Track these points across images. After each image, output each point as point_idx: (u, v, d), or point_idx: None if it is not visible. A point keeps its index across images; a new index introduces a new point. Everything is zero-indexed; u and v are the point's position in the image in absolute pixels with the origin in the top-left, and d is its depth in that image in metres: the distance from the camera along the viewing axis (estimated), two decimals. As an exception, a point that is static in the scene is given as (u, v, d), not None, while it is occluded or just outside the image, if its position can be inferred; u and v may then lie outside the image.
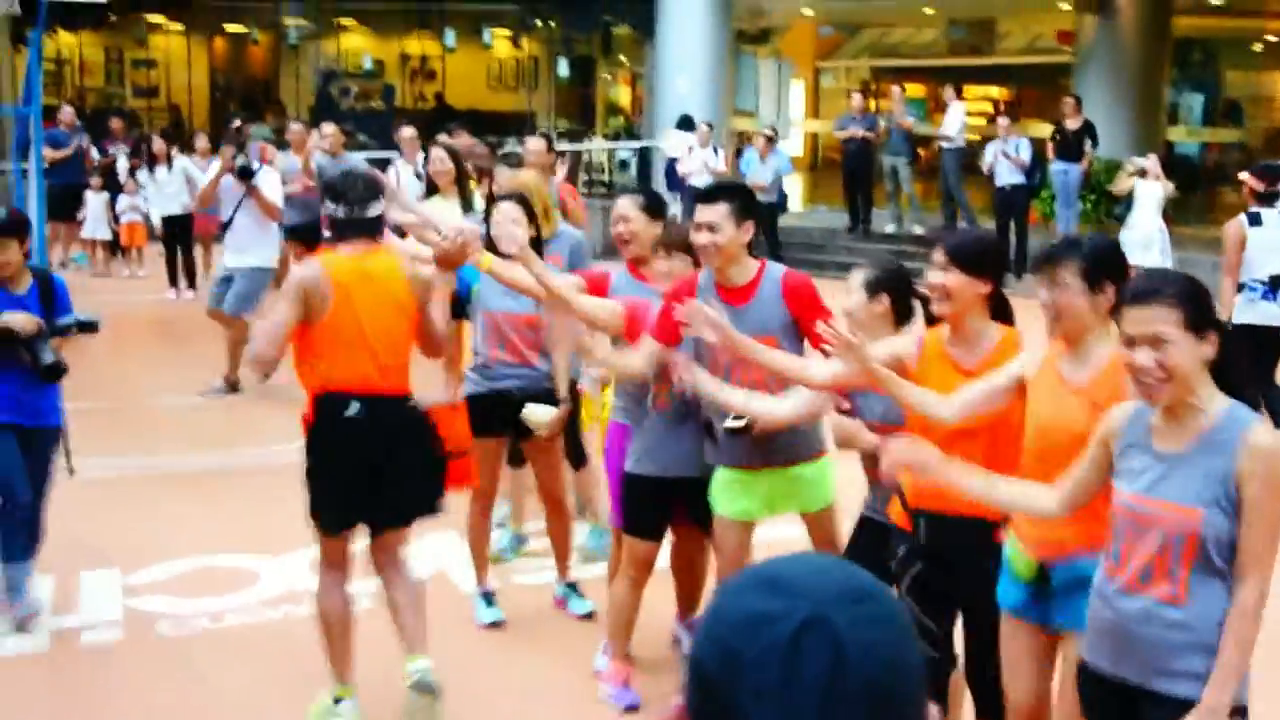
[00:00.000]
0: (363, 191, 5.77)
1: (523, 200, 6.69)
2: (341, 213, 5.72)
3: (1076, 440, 4.06)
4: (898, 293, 5.28)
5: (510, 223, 6.35)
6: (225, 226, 12.60)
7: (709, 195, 5.52)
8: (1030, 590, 4.39)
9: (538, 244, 6.51)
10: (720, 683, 1.50)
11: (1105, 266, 4.26)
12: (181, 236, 17.66)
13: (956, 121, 20.05)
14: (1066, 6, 22.48)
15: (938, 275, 4.64)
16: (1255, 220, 9.70)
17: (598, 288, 6.18)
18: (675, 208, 17.04)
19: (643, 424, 5.99)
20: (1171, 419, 3.77)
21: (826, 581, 1.55)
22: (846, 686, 1.47)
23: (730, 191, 5.59)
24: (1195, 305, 3.72)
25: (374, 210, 5.77)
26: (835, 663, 1.47)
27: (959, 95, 20.94)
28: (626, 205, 6.28)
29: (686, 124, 21.77)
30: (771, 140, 20.13)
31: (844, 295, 5.23)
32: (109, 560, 7.66)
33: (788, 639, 1.48)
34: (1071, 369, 4.31)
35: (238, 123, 20.25)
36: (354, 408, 5.57)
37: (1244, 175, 10.29)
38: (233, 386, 11.97)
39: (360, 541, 5.94)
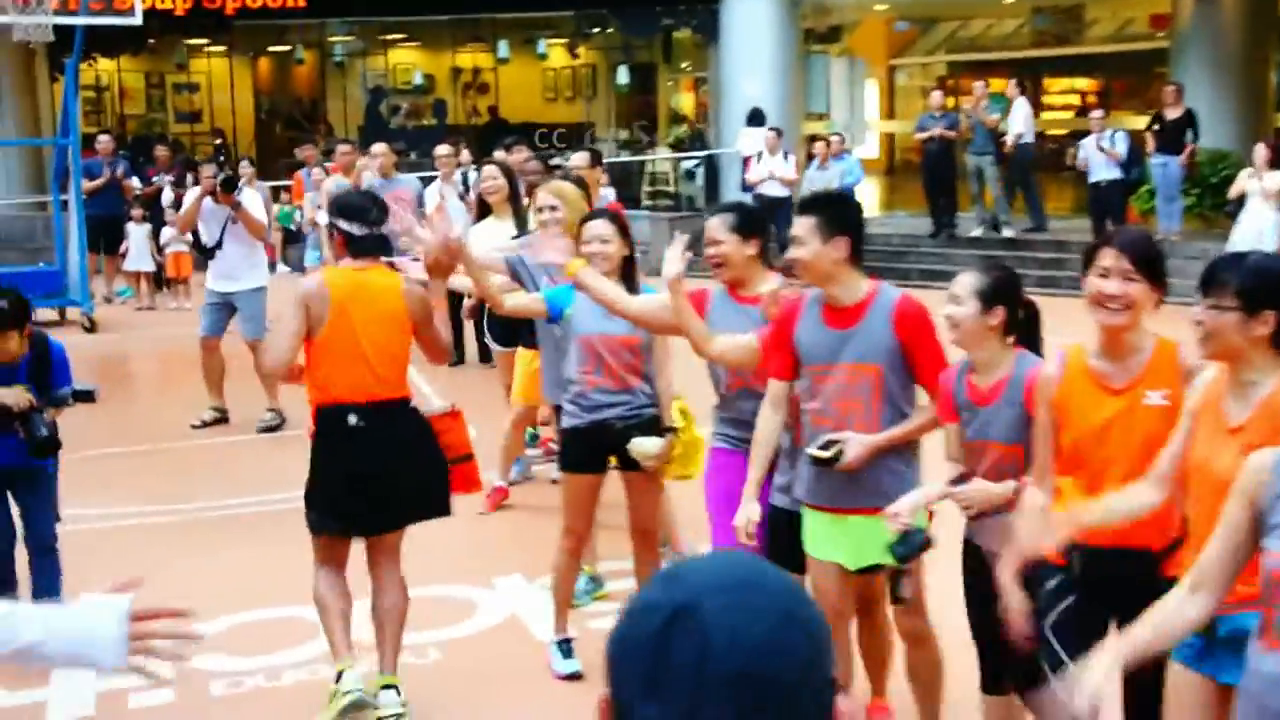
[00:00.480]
0: (376, 212, 6.36)
1: (615, 218, 6.59)
2: (358, 230, 6.26)
3: (1224, 490, 3.75)
4: (1013, 303, 5.02)
5: (600, 242, 6.31)
6: (207, 251, 12.47)
7: (801, 208, 5.41)
8: (1200, 640, 4.08)
9: (630, 264, 6.48)
10: (612, 669, 1.65)
11: (1266, 290, 3.97)
12: None
13: (1023, 117, 19.71)
14: (1162, -12, 22.11)
15: (1115, 284, 4.37)
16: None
17: (695, 306, 5.95)
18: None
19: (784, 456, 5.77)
20: None
21: (710, 573, 1.68)
22: (714, 672, 1.57)
23: (818, 204, 5.42)
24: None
25: (384, 228, 6.41)
26: (701, 649, 1.58)
27: (1024, 90, 20.51)
28: (716, 226, 5.95)
29: (757, 119, 21.73)
30: (834, 144, 19.99)
31: (946, 303, 4.96)
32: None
33: (659, 627, 1.60)
34: (1233, 404, 4.01)
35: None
36: (353, 419, 6.12)
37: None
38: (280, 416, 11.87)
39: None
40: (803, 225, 5.21)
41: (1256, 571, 3.72)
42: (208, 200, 12.12)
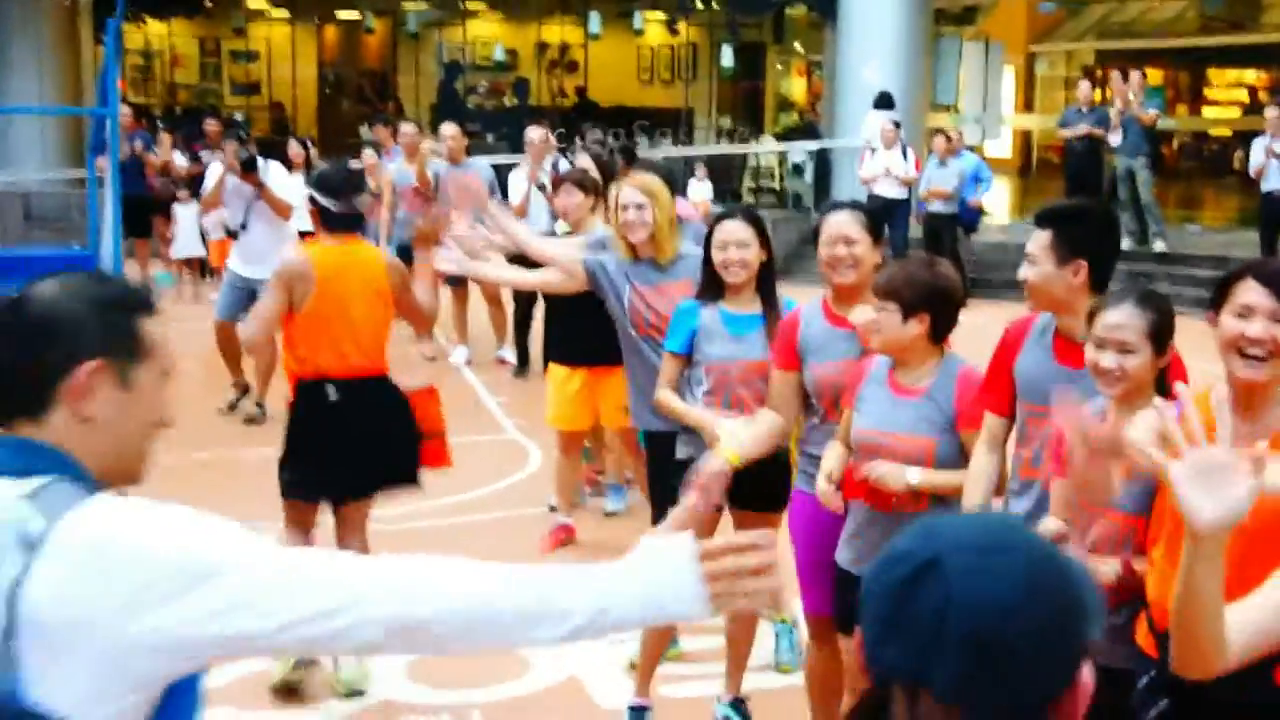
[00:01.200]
0: (353, 186, 7.14)
1: (754, 219, 6.08)
2: (334, 206, 6.89)
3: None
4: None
5: (736, 247, 5.89)
6: (232, 234, 12.97)
7: (1039, 220, 4.91)
8: None
9: (768, 269, 6.02)
10: (862, 605, 1.90)
11: None
12: None
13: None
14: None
15: (1259, 327, 3.75)
16: None
17: (787, 336, 5.60)
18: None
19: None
20: None
21: (966, 530, 1.90)
22: (949, 629, 1.77)
23: (1058, 217, 4.84)
24: None
25: (361, 205, 7.10)
26: (942, 605, 1.78)
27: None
28: (848, 222, 5.55)
29: (886, 102, 21.26)
30: (955, 140, 19.53)
31: (1106, 351, 4.33)
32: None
33: (907, 575, 1.83)
34: None
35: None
36: (332, 392, 6.82)
37: None
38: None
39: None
40: (1037, 241, 4.75)
41: None
42: (232, 179, 12.58)
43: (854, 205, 5.88)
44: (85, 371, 2.56)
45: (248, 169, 12.38)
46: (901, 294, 4.95)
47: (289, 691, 6.92)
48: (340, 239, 6.95)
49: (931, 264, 5.22)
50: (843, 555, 5.28)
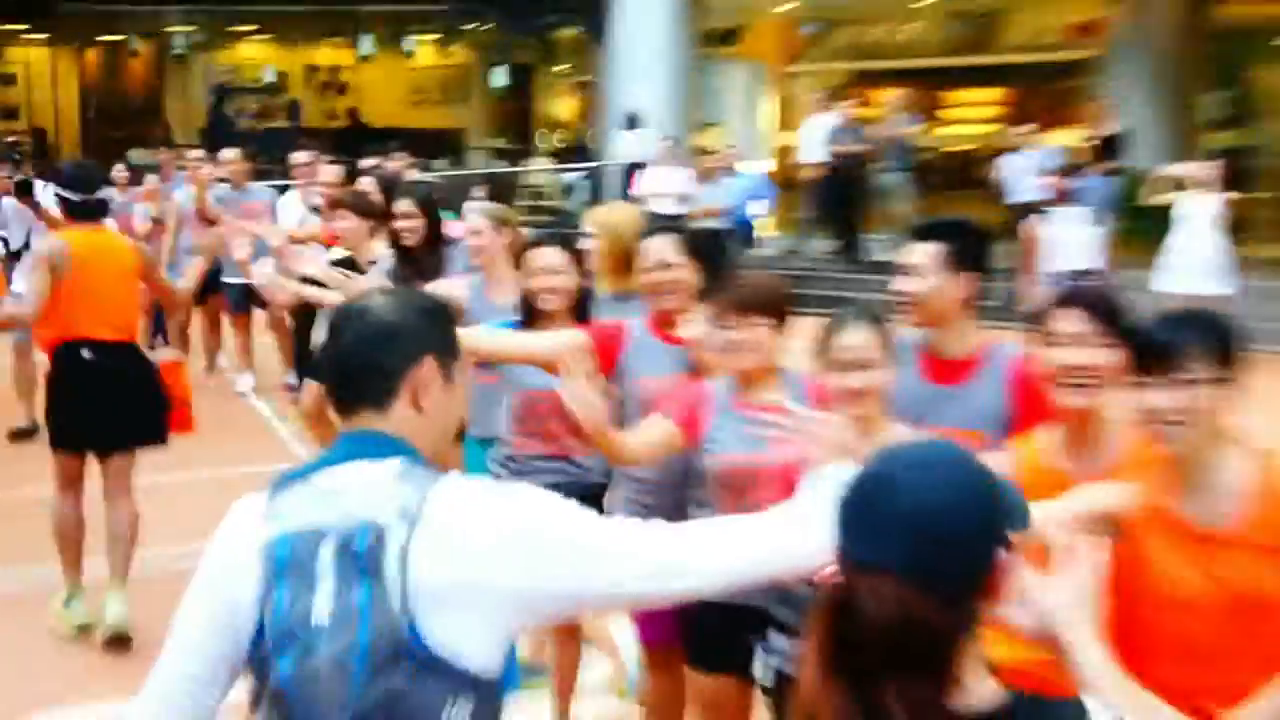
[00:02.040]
0: (95, 182, 8.44)
1: (568, 245, 6.15)
2: (78, 198, 8.06)
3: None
4: None
5: (550, 274, 5.91)
6: (15, 255, 12.85)
7: (925, 233, 4.89)
8: None
9: (586, 296, 6.08)
10: (838, 518, 2.36)
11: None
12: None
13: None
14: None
15: (1080, 354, 3.95)
16: None
17: (608, 348, 5.44)
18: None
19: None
20: None
21: (914, 453, 2.40)
22: (906, 527, 2.23)
23: (949, 230, 4.87)
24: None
25: (101, 195, 8.34)
26: (900, 509, 2.24)
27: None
28: (666, 248, 5.52)
29: (634, 123, 21.78)
30: (726, 156, 20.06)
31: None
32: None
33: (870, 490, 2.31)
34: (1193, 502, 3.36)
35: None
36: (86, 353, 7.83)
37: None
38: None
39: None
40: (924, 253, 4.72)
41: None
42: (9, 202, 13.08)
43: (663, 228, 5.79)
44: (427, 367, 2.99)
45: (23, 192, 12.70)
46: (778, 307, 4.82)
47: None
48: (87, 226, 8.07)
49: (772, 275, 5.17)
50: None
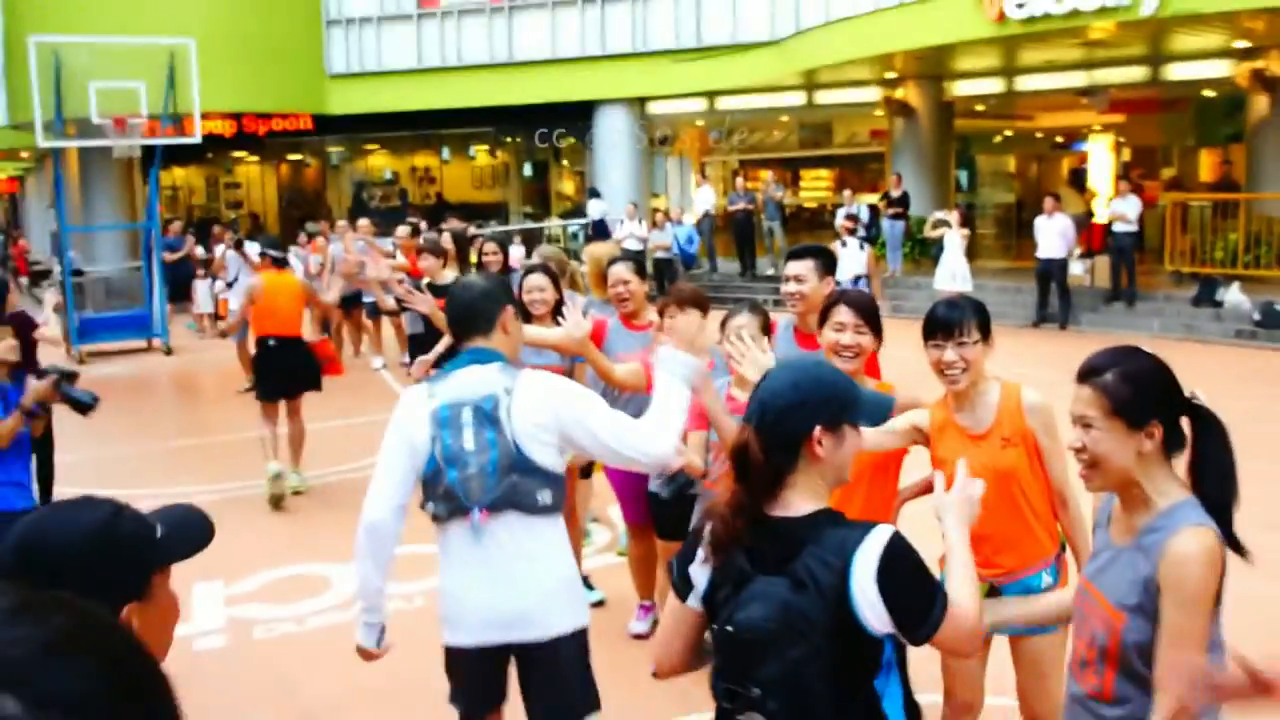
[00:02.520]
0: (279, 244, 9.19)
1: (548, 271, 5.71)
2: (273, 254, 8.82)
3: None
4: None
5: (538, 291, 5.57)
6: (230, 284, 13.66)
7: (800, 254, 4.55)
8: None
9: (560, 305, 5.54)
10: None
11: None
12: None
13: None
14: (880, 112, 21.72)
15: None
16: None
17: (597, 334, 5.16)
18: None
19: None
20: (1124, 505, 2.39)
21: (791, 361, 2.66)
22: (758, 390, 2.27)
23: (813, 251, 4.56)
24: (1131, 395, 2.29)
25: (284, 253, 9.08)
26: (762, 383, 2.29)
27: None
28: (625, 271, 5.40)
29: (595, 194, 21.70)
30: (673, 213, 19.45)
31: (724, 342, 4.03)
32: (213, 574, 6.56)
33: (753, 395, 2.30)
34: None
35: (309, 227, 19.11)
36: (272, 343, 8.33)
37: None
38: None
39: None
40: (803, 267, 4.43)
41: (1029, 541, 3.43)
42: (232, 254, 14.17)
43: (622, 258, 5.60)
44: (509, 311, 3.32)
45: (239, 247, 13.76)
46: (702, 303, 4.63)
47: (277, 501, 7.97)
48: (274, 270, 8.64)
49: (696, 286, 4.99)
50: (656, 484, 4.94)
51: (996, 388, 3.47)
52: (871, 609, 2.07)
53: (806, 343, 4.38)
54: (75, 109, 16.30)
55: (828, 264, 4.50)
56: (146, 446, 10.38)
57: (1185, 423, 2.34)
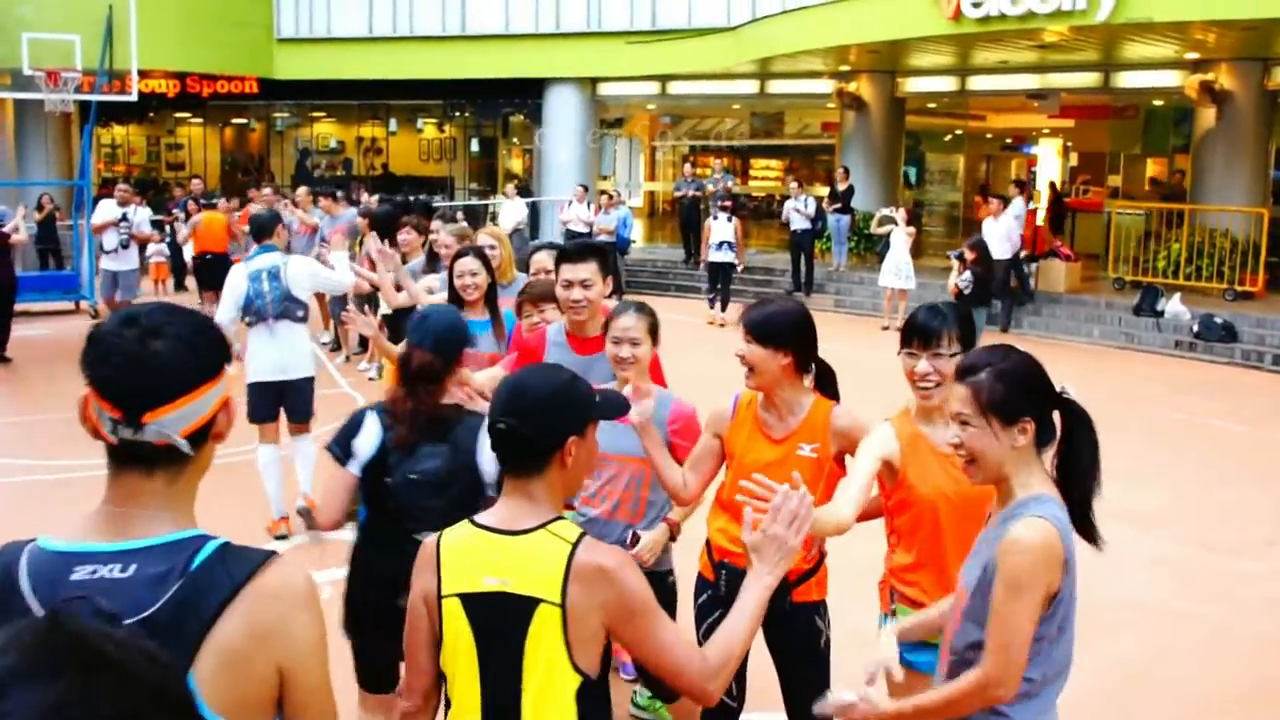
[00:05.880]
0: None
1: (482, 255, 5.37)
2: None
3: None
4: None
5: (470, 275, 5.24)
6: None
7: (583, 252, 4.15)
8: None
9: (493, 290, 5.34)
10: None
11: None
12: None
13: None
14: (832, 105, 21.57)
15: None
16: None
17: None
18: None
19: None
20: (998, 499, 2.50)
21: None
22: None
23: (596, 250, 4.20)
24: (1004, 393, 2.39)
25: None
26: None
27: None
28: (544, 258, 5.16)
29: (525, 191, 21.28)
30: (615, 197, 19.09)
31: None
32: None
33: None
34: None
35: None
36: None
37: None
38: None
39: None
40: (588, 269, 4.08)
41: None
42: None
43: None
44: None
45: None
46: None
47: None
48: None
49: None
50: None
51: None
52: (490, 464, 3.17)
53: (583, 348, 4.12)
54: (7, 59, 15.66)
55: (604, 264, 4.15)
56: (56, 415, 9.91)
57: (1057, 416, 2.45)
